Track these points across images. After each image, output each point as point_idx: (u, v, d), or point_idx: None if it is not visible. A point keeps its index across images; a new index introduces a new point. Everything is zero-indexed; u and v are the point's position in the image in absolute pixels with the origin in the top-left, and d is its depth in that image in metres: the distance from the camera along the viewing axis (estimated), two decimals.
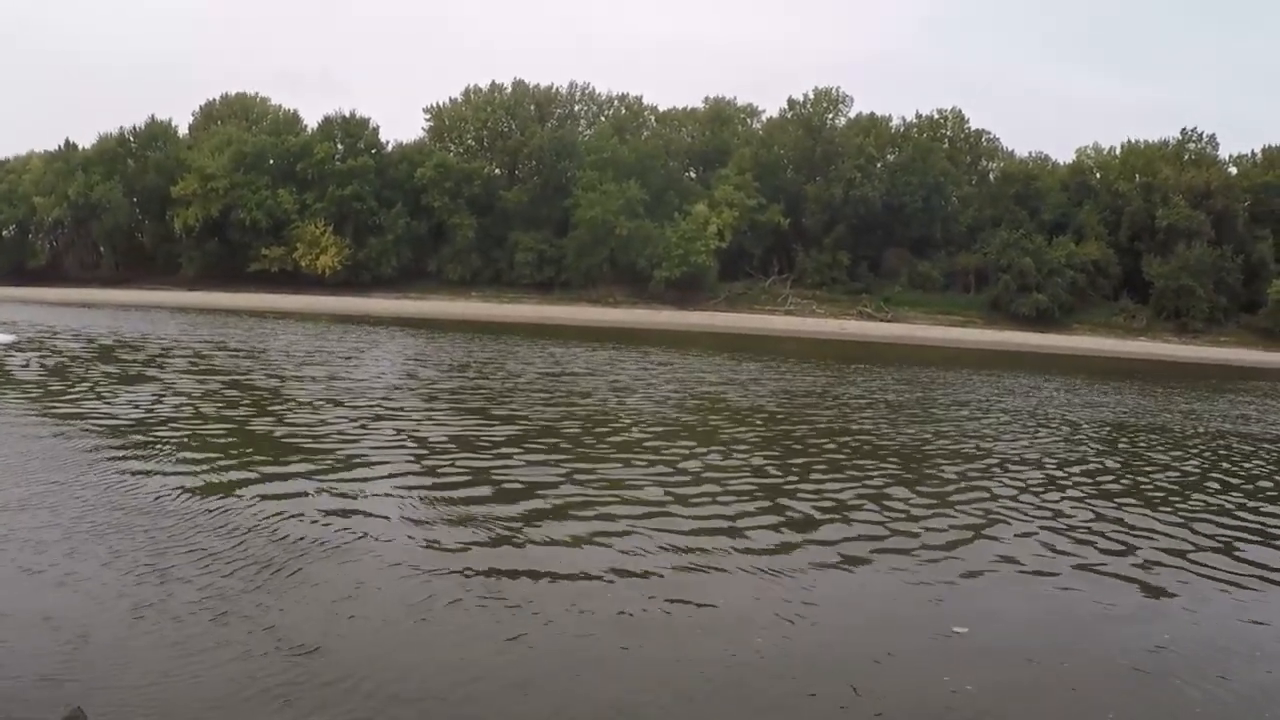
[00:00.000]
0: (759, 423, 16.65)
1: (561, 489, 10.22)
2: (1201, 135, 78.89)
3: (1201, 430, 19.34)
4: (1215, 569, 8.41)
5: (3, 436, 11.45)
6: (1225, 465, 14.53)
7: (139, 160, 77.65)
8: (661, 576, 7.32)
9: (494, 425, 14.61)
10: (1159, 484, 12.55)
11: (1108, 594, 7.58)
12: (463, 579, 7.12)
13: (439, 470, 10.84)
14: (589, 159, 68.67)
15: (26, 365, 19.83)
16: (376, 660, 5.75)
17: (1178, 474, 13.49)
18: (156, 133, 78.97)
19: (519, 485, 10.32)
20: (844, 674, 5.82)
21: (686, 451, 13.09)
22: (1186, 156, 77.02)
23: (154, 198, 75.30)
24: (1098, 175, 75.66)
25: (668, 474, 11.33)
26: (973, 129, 73.45)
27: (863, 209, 68.16)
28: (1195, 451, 15.95)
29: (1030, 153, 76.71)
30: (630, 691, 5.49)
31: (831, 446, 14.22)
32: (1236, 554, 8.97)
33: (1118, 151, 76.58)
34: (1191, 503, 11.33)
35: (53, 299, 61.59)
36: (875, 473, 12.16)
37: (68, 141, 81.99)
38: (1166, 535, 9.55)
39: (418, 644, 5.95)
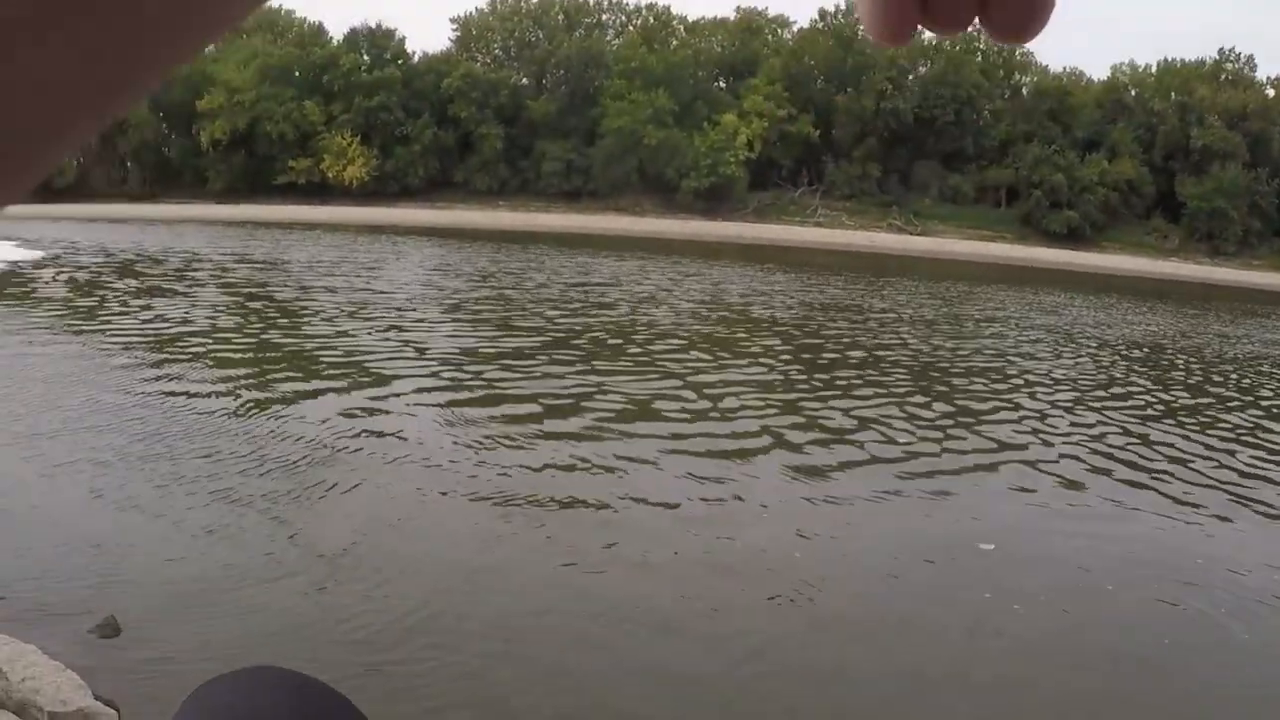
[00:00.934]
0: (787, 337, 16.50)
1: (592, 402, 10.07)
2: (1239, 55, 77.31)
3: (1236, 353, 19.02)
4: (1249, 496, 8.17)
5: (33, 353, 11.52)
6: (1264, 390, 14.27)
7: None
8: (688, 499, 7.06)
9: (517, 336, 14.49)
10: (1192, 406, 12.33)
11: (1136, 518, 7.37)
12: (507, 504, 6.90)
13: (469, 385, 10.73)
14: (617, 68, 68.07)
15: (51, 282, 19.70)
16: (408, 575, 5.55)
17: (1212, 397, 13.22)
18: None
19: (542, 399, 10.15)
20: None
21: (714, 365, 12.92)
22: (1224, 77, 75.51)
23: (180, 112, 75.03)
24: (1133, 93, 74.32)
25: (694, 388, 11.14)
26: None
27: (893, 121, 67.39)
28: (1230, 375, 15.65)
29: (1065, 68, 75.49)
30: (664, 606, 5.31)
31: (861, 361, 14.04)
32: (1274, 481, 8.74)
33: (1154, 69, 75.15)
34: (1224, 426, 11.07)
35: (80, 215, 61.63)
36: (904, 389, 11.97)
37: None
38: (1199, 458, 9.30)
39: (460, 571, 5.72)
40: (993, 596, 5.67)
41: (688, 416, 9.44)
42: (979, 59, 70.86)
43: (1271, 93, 76.78)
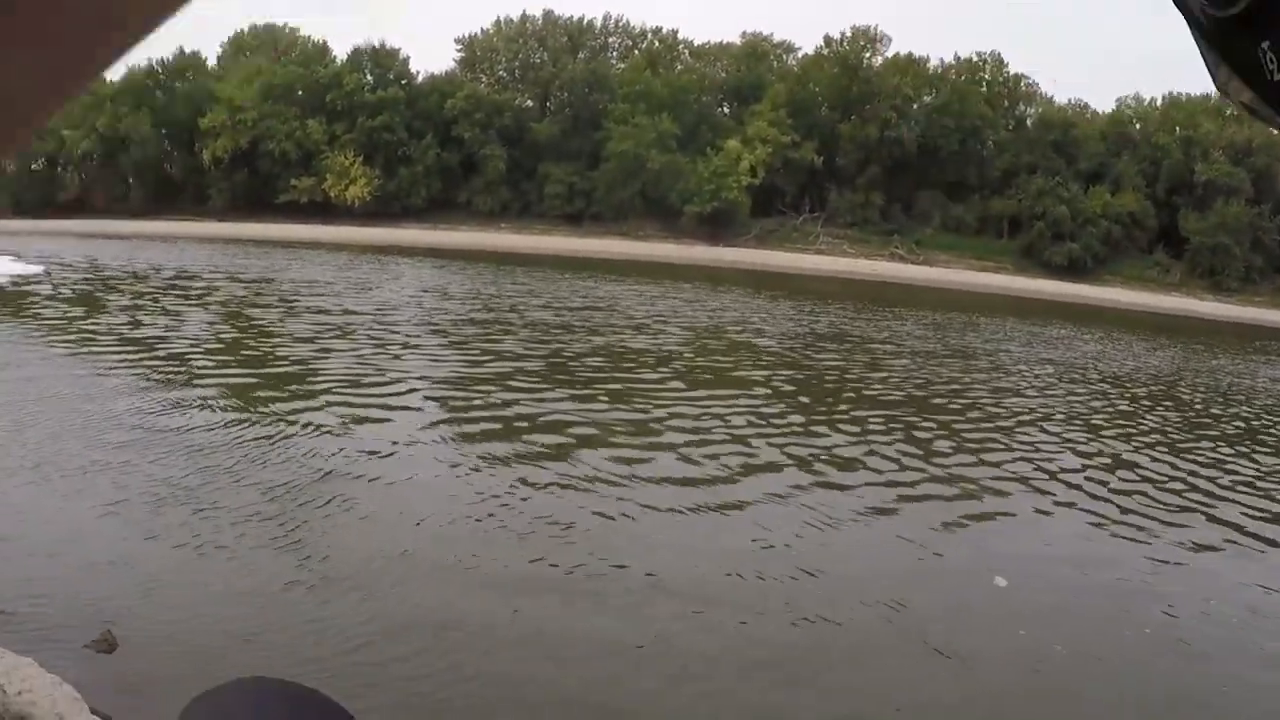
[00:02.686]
0: (789, 365, 16.41)
1: (593, 424, 10.07)
2: None
3: (1242, 390, 18.93)
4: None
5: (32, 362, 11.55)
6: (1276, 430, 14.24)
7: (167, 92, 77.38)
8: (692, 536, 6.97)
9: (514, 359, 14.49)
10: (1205, 442, 12.32)
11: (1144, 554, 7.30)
12: (495, 502, 7.11)
13: (457, 405, 10.81)
14: (621, 92, 68.14)
15: (46, 298, 19.88)
16: (399, 585, 5.65)
17: (1224, 436, 13.19)
18: (185, 64, 78.72)
19: (535, 419, 10.17)
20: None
21: (715, 393, 12.88)
22: (1229, 112, 75.57)
23: (183, 129, 75.13)
24: (1137, 126, 74.44)
25: (697, 417, 11.07)
26: (1012, 73, 72.40)
27: (897, 150, 67.35)
28: (1239, 411, 15.55)
29: (1069, 100, 75.61)
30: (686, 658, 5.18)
31: (870, 392, 14.09)
32: None
33: (1159, 103, 75.30)
34: (1241, 465, 11.06)
35: (80, 230, 61.49)
36: (912, 420, 12.00)
37: None
38: (1212, 496, 9.26)
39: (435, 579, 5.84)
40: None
41: (690, 445, 9.22)
42: (984, 89, 71.00)
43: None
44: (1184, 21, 0.47)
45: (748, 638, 5.21)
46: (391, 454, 8.29)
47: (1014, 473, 9.40)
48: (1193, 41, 0.46)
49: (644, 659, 5.02)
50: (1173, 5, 0.46)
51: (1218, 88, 0.45)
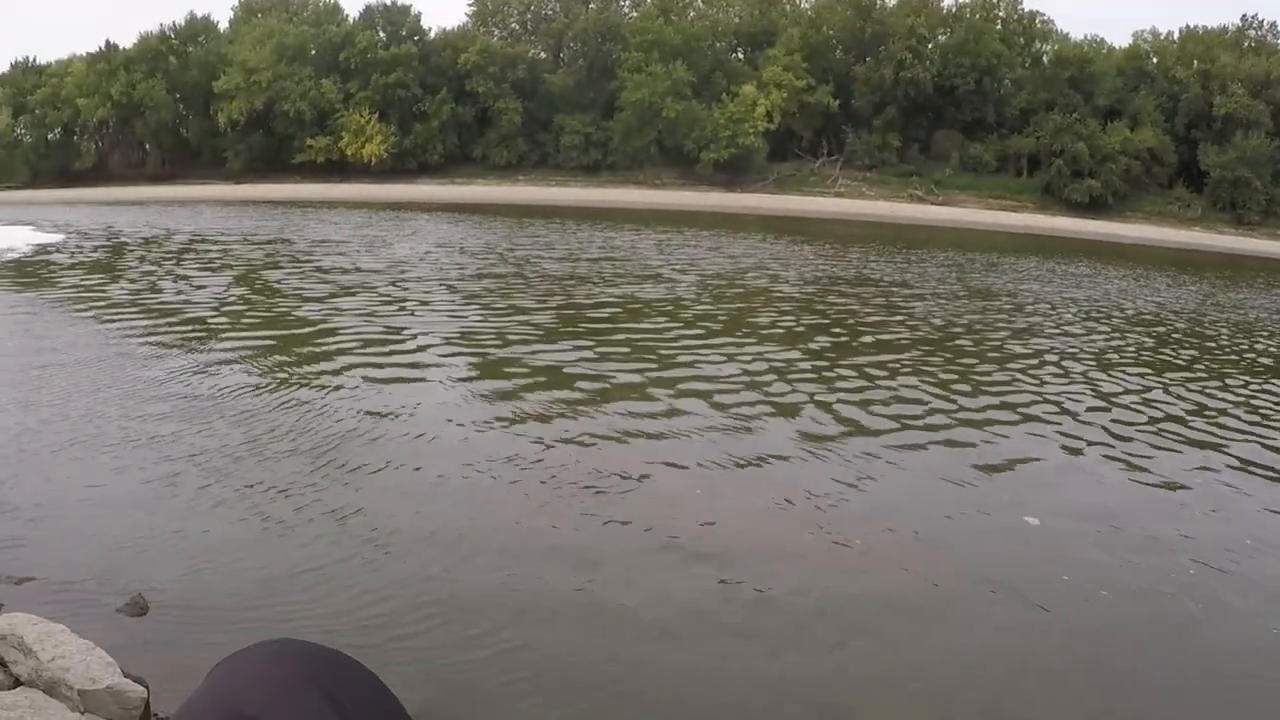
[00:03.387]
0: (815, 310, 16.36)
1: (618, 377, 10.01)
2: (1262, 22, 76.44)
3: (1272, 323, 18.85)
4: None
5: (61, 332, 11.70)
6: None
7: (181, 57, 77.31)
8: (730, 483, 6.92)
9: (538, 311, 14.43)
10: (1231, 378, 12.22)
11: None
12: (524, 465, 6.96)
13: (481, 363, 10.73)
14: (634, 40, 67.72)
15: (65, 265, 20.12)
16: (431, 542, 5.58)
17: (1251, 371, 13.12)
18: (197, 29, 78.61)
19: (562, 372, 10.13)
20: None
21: (746, 341, 12.78)
22: (1246, 44, 74.62)
23: (197, 94, 75.21)
24: (1154, 61, 73.56)
25: (733, 361, 11.09)
26: (1026, 9, 71.60)
27: (913, 91, 66.80)
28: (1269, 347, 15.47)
29: (1085, 36, 74.77)
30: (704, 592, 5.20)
31: (890, 336, 13.93)
32: None
33: (1175, 37, 74.40)
34: (1263, 399, 11.01)
35: (98, 198, 61.84)
36: (935, 362, 11.90)
37: (109, 42, 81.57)
38: (1235, 431, 9.25)
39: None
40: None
41: (716, 393, 9.25)
42: (999, 27, 70.29)
43: None
44: None
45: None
46: (419, 414, 8.22)
47: (1039, 414, 9.42)
48: None
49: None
50: None
51: None
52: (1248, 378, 12.21)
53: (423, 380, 9.68)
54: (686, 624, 4.84)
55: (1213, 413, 9.97)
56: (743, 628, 4.87)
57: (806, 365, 11.32)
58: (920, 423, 8.84)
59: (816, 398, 9.61)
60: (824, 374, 10.85)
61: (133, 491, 6.19)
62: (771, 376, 10.39)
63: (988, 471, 7.50)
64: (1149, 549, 6.08)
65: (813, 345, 12.81)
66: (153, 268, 19.49)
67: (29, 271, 18.90)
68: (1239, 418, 9.76)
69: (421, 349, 11.28)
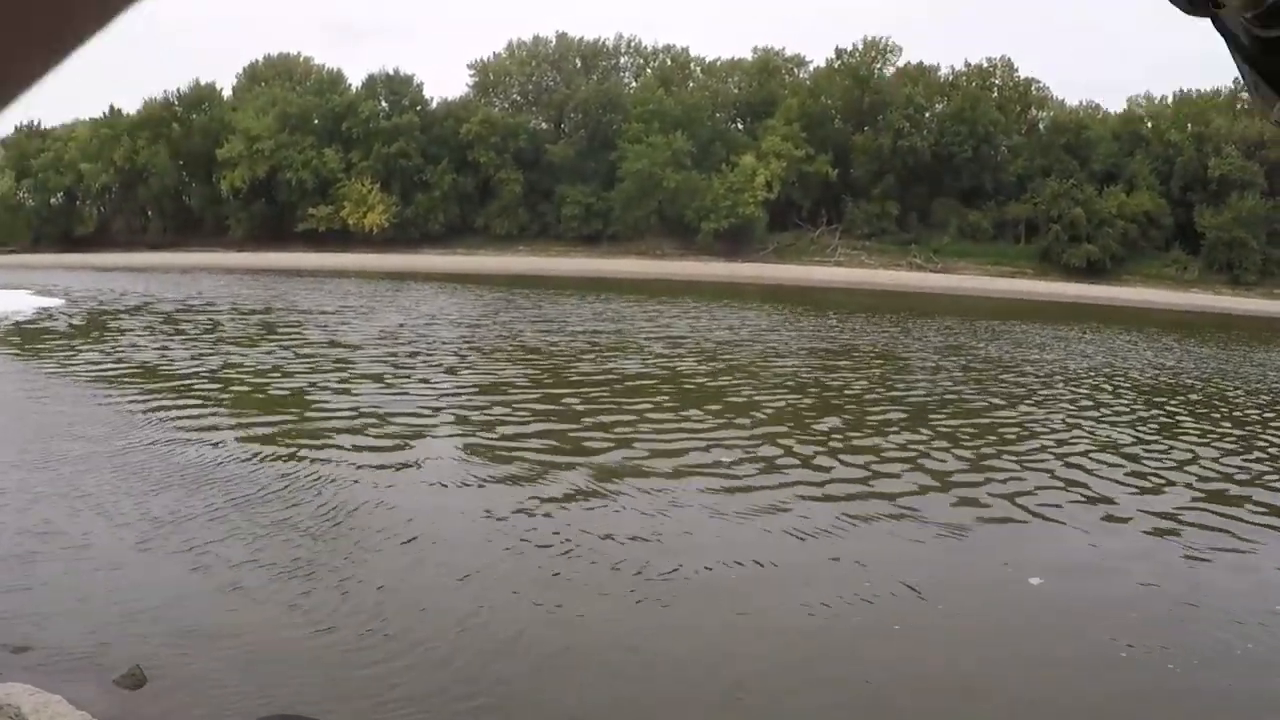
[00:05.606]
0: (815, 379, 16.45)
1: (612, 452, 10.02)
2: None
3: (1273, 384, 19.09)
4: None
5: (62, 396, 11.96)
6: None
7: (184, 124, 77.82)
8: (738, 552, 7.01)
9: (519, 385, 14.46)
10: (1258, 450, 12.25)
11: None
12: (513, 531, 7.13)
13: (476, 433, 10.84)
14: (635, 111, 68.42)
15: (63, 331, 20.54)
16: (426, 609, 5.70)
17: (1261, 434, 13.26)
18: (201, 96, 79.17)
19: (549, 444, 10.23)
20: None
21: (752, 403, 13.08)
22: (1239, 106, 75.39)
23: (200, 161, 75.65)
24: (1149, 125, 74.29)
25: (736, 427, 11.25)
26: (1022, 77, 72.42)
27: (911, 159, 67.47)
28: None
29: (1081, 101, 75.53)
30: (702, 660, 5.31)
31: (893, 401, 14.11)
32: None
33: (1170, 101, 75.20)
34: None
35: (99, 264, 62.07)
36: (939, 428, 12.00)
37: (113, 108, 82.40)
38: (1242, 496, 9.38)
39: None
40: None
41: (707, 481, 9.21)
42: (995, 95, 71.06)
43: None
44: (1222, 41, 0.46)
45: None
46: (417, 482, 8.37)
47: (1049, 482, 9.58)
48: (1222, 51, 0.46)
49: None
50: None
51: (1256, 107, 0.44)
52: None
53: (425, 451, 9.69)
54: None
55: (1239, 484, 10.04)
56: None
57: (803, 433, 11.38)
58: (922, 484, 9.10)
59: (818, 463, 9.74)
60: (823, 441, 10.94)
61: (136, 562, 6.21)
62: (773, 446, 10.45)
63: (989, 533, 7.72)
64: None
65: (811, 414, 12.92)
66: (149, 334, 19.92)
67: (31, 336, 19.56)
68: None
69: (425, 418, 11.29)
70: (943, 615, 6.07)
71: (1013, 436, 11.85)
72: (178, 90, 79.76)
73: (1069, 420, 13.11)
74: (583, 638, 5.50)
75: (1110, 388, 17.18)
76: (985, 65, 72.10)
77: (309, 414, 11.44)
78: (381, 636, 5.33)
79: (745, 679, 5.11)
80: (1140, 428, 13.06)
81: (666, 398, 13.63)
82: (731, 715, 4.79)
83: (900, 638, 5.71)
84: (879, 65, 70.91)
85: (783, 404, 13.61)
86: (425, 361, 16.66)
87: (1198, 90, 75.53)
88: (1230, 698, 5.20)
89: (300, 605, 5.66)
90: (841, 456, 10.14)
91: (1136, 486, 9.53)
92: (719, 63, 76.17)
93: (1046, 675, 5.38)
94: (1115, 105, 79.10)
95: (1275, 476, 10.44)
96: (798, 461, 9.74)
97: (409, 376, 14.83)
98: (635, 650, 5.40)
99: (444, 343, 19.64)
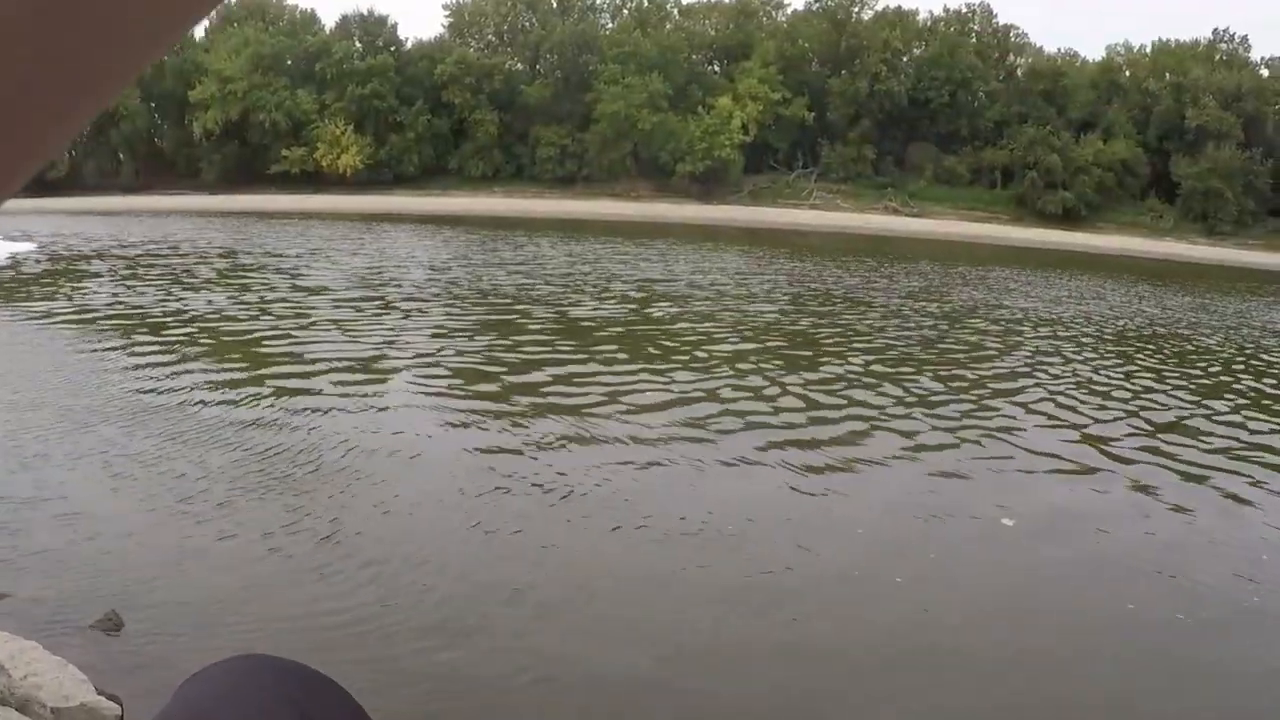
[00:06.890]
0: (794, 323, 16.26)
1: (581, 388, 9.93)
2: (1233, 36, 77.37)
3: (1246, 334, 19.06)
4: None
5: (39, 342, 11.76)
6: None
7: (156, 66, 76.87)
8: (715, 497, 6.94)
9: (519, 328, 14.17)
10: (1208, 387, 12.32)
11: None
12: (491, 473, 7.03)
13: (452, 379, 10.54)
14: (611, 53, 67.88)
15: (38, 274, 20.29)
16: (405, 545, 5.65)
17: (1227, 378, 13.26)
18: None
19: (530, 380, 10.13)
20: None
21: (723, 349, 12.81)
22: (1218, 57, 75.47)
23: (172, 103, 74.65)
24: (1127, 74, 74.30)
25: (709, 375, 11.09)
26: (1000, 23, 72.24)
27: (888, 103, 67.30)
28: (1238, 355, 15.70)
29: (1059, 49, 75.54)
30: (680, 603, 5.26)
31: (866, 345, 13.94)
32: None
33: (1148, 50, 75.14)
34: (1237, 404, 11.20)
35: (72, 208, 61.31)
36: (913, 372, 11.85)
37: None
38: (1205, 436, 9.36)
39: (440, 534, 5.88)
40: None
41: (683, 418, 9.11)
42: (973, 40, 70.82)
43: (1265, 73, 76.73)
44: None
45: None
46: (405, 431, 8.24)
47: (1021, 423, 9.45)
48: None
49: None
50: None
51: None
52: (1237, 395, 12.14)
53: (410, 397, 9.55)
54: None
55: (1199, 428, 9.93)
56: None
57: (783, 377, 11.21)
58: (902, 429, 9.00)
59: (794, 406, 9.66)
60: (800, 385, 10.80)
61: (110, 507, 6.14)
62: (752, 390, 10.35)
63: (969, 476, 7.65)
64: None
65: (787, 356, 12.82)
66: (122, 278, 19.53)
67: (3, 283, 19.15)
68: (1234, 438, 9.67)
69: (406, 364, 11.13)
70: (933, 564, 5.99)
71: (1004, 386, 11.61)
72: None
73: (1059, 367, 13.01)
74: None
75: (1094, 334, 17.13)
76: (964, 11, 71.95)
77: (278, 357, 11.32)
78: (361, 575, 5.32)
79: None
80: (1114, 372, 12.98)
81: (646, 343, 13.49)
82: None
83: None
84: (857, 9, 70.53)
85: (758, 348, 13.47)
86: (398, 306, 16.33)
87: (1176, 40, 75.63)
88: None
89: (282, 549, 5.61)
90: (819, 400, 10.05)
91: (1128, 428, 9.57)
92: (696, 5, 75.66)
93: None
94: (1094, 53, 79.23)
95: (1259, 424, 10.43)
96: (769, 409, 9.55)
97: (380, 322, 14.51)
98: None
99: (415, 285, 19.37)
